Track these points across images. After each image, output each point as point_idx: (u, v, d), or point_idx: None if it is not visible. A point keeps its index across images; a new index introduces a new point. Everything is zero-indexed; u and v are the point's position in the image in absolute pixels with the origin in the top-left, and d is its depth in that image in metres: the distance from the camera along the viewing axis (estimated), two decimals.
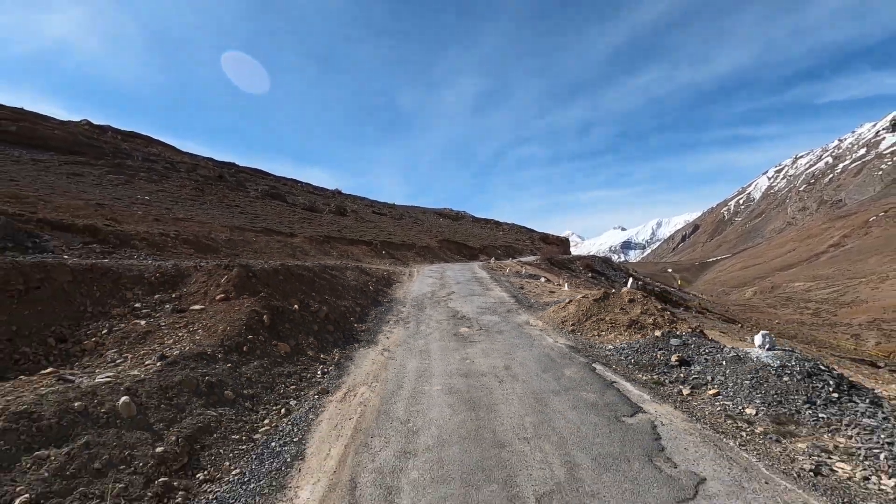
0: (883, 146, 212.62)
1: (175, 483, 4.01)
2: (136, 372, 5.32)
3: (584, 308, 10.69)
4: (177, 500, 3.85)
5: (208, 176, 38.96)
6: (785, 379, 5.80)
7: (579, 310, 10.70)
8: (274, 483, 4.23)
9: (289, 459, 4.66)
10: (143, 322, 7.31)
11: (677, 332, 8.60)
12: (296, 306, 9.35)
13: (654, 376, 6.97)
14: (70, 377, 4.88)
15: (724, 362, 6.72)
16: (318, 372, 7.39)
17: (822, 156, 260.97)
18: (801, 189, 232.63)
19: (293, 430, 5.30)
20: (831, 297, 72.60)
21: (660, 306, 10.22)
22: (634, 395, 6.18)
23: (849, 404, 5.32)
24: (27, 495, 3.33)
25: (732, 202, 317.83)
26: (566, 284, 19.02)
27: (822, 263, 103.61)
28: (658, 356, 7.49)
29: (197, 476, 4.27)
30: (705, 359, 7.08)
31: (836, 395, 5.48)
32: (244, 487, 4.16)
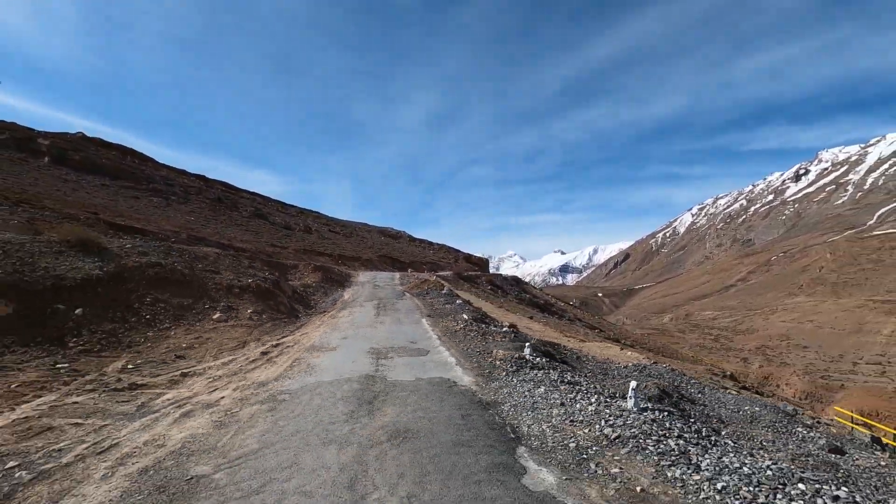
0: (787, 193, 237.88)
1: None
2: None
3: (429, 284, 25.98)
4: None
5: (211, 198, 48.85)
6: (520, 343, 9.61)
7: (424, 284, 25.99)
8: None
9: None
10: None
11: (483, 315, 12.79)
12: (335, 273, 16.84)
13: (443, 321, 13.89)
14: None
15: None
16: (339, 292, 22.79)
17: (737, 198, 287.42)
18: (719, 227, 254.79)
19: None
20: (731, 325, 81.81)
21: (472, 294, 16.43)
22: (427, 323, 13.66)
23: (550, 371, 8.93)
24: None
25: (660, 234, 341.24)
26: (431, 291, 25.04)
27: (729, 295, 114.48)
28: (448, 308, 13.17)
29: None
30: (494, 326, 12.05)
31: (545, 360, 9.30)
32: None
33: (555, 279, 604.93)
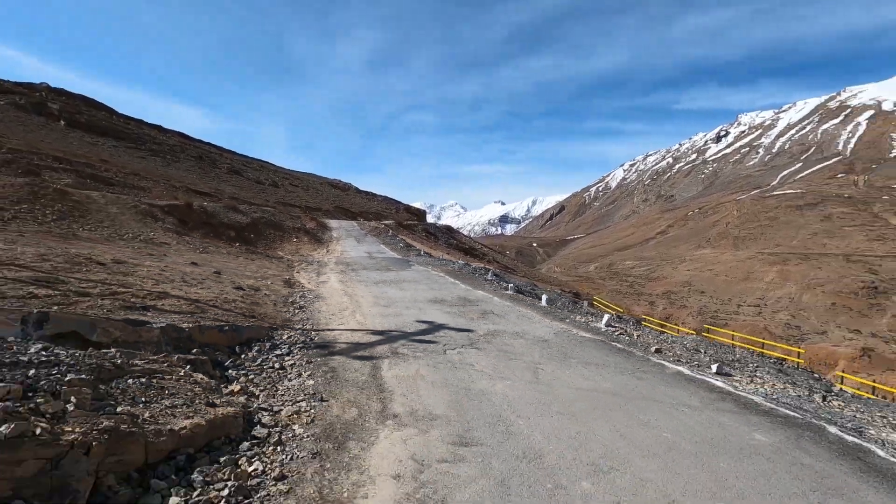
0: (708, 153, 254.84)
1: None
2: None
3: (380, 229, 33.12)
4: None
5: (194, 156, 54.05)
6: (464, 271, 12.77)
7: (386, 227, 32.41)
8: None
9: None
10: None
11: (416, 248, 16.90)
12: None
13: (391, 245, 24.15)
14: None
15: (425, 262, 15.16)
16: (329, 233, 28.75)
17: (665, 156, 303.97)
18: (647, 183, 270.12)
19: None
20: (645, 274, 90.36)
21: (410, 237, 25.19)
22: (397, 254, 21.56)
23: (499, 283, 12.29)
24: None
25: (594, 188, 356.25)
26: (383, 234, 34.14)
27: (649, 247, 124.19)
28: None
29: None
30: (416, 256, 16.01)
31: (492, 278, 12.48)
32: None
33: (494, 229, 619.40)
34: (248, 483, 2.90)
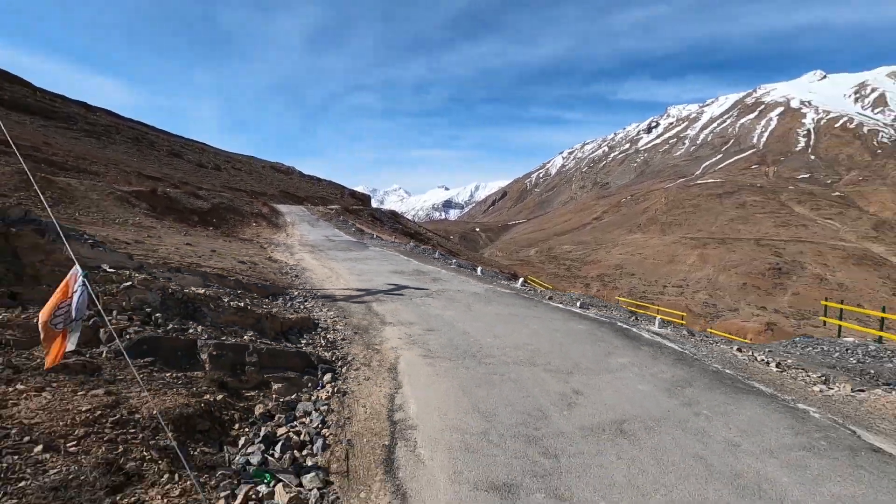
0: (640, 143, 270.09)
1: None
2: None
3: (330, 214, 34.82)
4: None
5: (129, 137, 52.89)
6: (415, 251, 16.16)
7: (335, 212, 34.25)
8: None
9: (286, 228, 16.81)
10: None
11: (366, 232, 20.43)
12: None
13: (343, 228, 25.18)
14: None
15: (379, 244, 18.72)
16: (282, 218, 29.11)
17: (601, 145, 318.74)
18: (584, 170, 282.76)
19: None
20: (581, 257, 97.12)
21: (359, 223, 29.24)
22: (352, 237, 23.44)
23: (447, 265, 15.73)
24: None
25: (535, 175, 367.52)
26: (335, 218, 36.15)
27: (585, 232, 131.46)
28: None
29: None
30: (370, 239, 20.09)
31: (438, 256, 15.96)
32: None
33: (438, 214, 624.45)
34: (330, 339, 6.09)
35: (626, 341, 7.05)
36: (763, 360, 6.54)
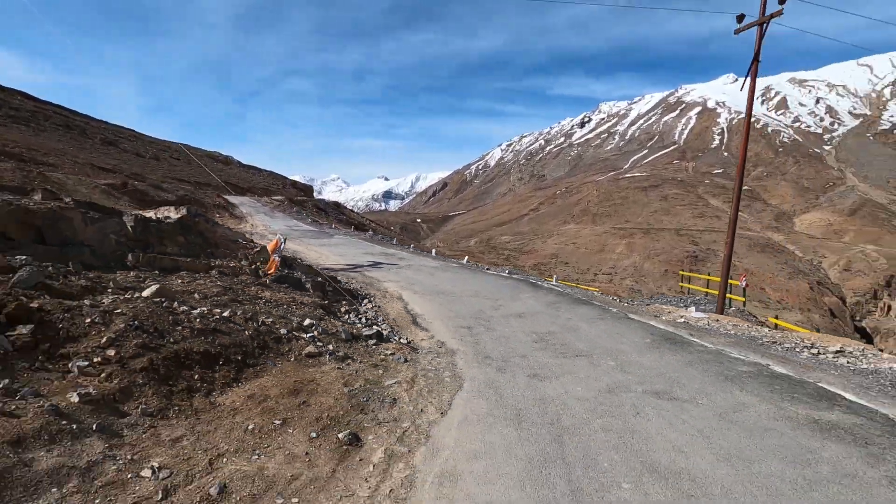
0: (574, 137, 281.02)
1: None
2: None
3: (282, 205, 36.94)
4: None
5: (59, 124, 51.22)
6: (375, 238, 16.53)
7: (283, 203, 37.06)
8: None
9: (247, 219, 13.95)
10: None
11: (322, 223, 21.52)
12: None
13: (299, 218, 27.11)
14: None
15: (341, 233, 21.05)
16: (238, 209, 26.32)
17: (538, 138, 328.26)
18: (522, 163, 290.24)
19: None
20: (519, 247, 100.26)
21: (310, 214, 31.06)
22: (312, 227, 24.02)
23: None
24: None
25: (474, 166, 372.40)
26: (287, 209, 36.74)
27: (523, 223, 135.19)
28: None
29: None
30: (329, 228, 21.87)
31: (396, 243, 16.35)
32: None
33: (378, 205, 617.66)
34: (353, 287, 10.10)
35: (532, 288, 11.62)
36: (608, 296, 8.82)
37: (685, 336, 7.29)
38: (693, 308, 10.44)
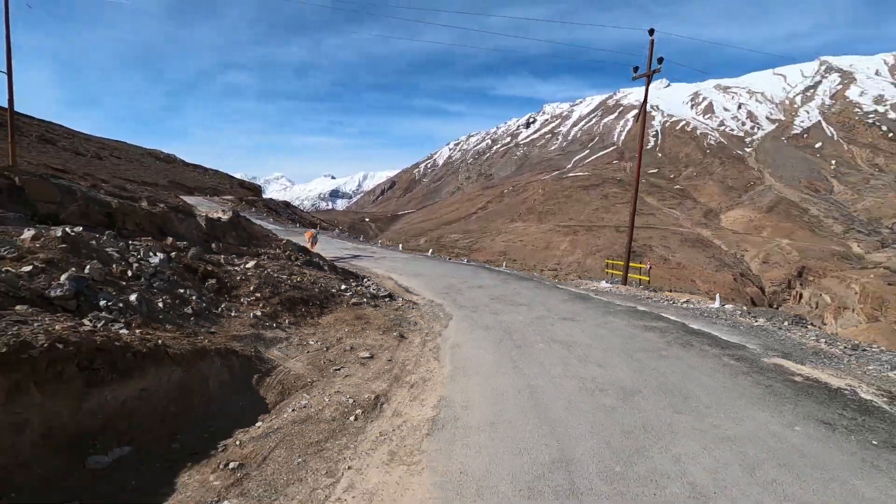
0: (520, 137, 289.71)
1: None
2: None
3: (239, 205, 35.47)
4: None
5: None
6: (343, 236, 19.54)
7: (237, 203, 37.20)
8: None
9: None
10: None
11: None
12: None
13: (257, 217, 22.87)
14: None
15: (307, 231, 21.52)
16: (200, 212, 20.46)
17: (485, 137, 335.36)
18: (469, 162, 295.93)
19: None
20: (469, 245, 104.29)
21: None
22: (279, 225, 23.55)
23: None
24: None
25: (422, 165, 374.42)
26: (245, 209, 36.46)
27: (472, 221, 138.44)
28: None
29: None
30: (294, 226, 22.00)
31: (363, 239, 19.37)
32: None
33: (325, 204, 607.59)
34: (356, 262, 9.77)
35: (487, 271, 15.29)
36: (544, 275, 12.15)
37: (591, 295, 10.92)
38: (604, 282, 14.17)
